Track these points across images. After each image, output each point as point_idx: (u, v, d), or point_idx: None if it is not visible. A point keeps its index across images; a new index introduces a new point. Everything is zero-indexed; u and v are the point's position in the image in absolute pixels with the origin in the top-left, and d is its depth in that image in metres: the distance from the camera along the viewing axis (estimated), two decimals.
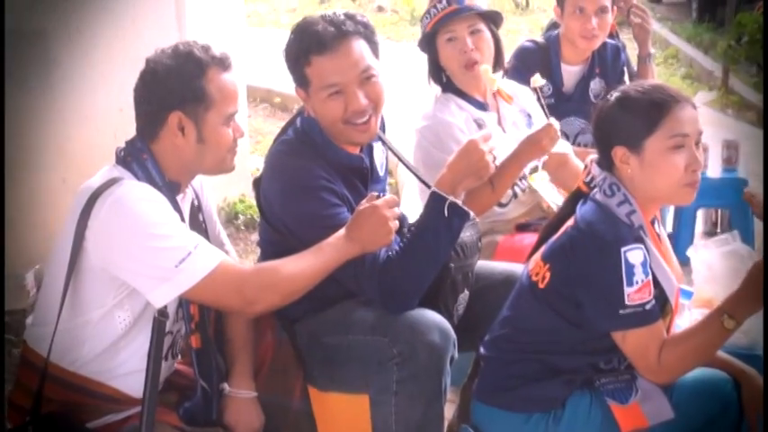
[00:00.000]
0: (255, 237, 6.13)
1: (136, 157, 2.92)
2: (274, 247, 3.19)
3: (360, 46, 3.11)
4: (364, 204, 3.01)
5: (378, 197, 3.04)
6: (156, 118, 2.91)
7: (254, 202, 6.35)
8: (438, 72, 4.05)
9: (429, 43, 4.02)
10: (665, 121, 2.84)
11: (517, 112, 4.13)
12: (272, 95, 9.48)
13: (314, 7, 15.16)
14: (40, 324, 2.94)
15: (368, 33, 3.15)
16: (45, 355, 2.86)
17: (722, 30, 11.53)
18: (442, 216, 3.05)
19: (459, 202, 3.08)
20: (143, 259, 2.77)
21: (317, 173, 3.09)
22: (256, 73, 8.80)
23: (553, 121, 3.81)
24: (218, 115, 2.92)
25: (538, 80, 3.92)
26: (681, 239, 5.14)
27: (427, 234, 3.07)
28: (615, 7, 4.69)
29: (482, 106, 4.04)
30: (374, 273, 3.03)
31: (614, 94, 2.98)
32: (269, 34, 13.14)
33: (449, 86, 4.02)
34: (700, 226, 5.62)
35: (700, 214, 5.63)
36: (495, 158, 3.13)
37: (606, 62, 4.87)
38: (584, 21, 4.54)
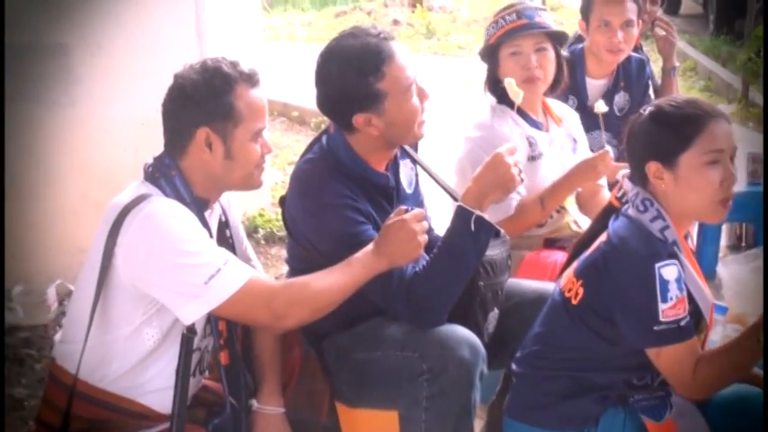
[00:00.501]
0: (275, 251, 6.13)
1: (164, 174, 2.91)
2: (301, 263, 3.18)
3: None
4: (392, 218, 2.99)
5: (406, 211, 3.01)
6: (183, 134, 2.90)
7: (273, 216, 6.38)
8: (495, 84, 4.01)
9: (491, 54, 4.01)
10: (700, 136, 2.81)
11: (564, 136, 4.12)
12: (290, 109, 9.45)
13: (329, 21, 15.18)
14: (69, 341, 2.93)
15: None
16: (74, 372, 2.84)
17: (740, 42, 11.48)
18: (468, 230, 3.04)
19: (486, 216, 3.07)
20: (172, 276, 2.76)
21: (341, 191, 3.08)
22: (273, 87, 8.79)
23: (609, 148, 3.84)
24: (246, 131, 2.91)
25: (601, 106, 3.92)
26: (705, 254, 5.08)
27: (454, 248, 3.06)
28: (640, 20, 4.66)
29: (536, 125, 4.02)
30: (402, 288, 3.02)
31: (648, 109, 2.95)
32: (285, 48, 13.18)
33: (504, 99, 3.97)
34: (724, 240, 5.56)
35: (724, 228, 5.58)
36: (520, 171, 3.12)
37: (631, 76, 4.84)
38: (609, 34, 4.51)
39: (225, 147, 2.89)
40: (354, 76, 3.04)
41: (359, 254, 2.97)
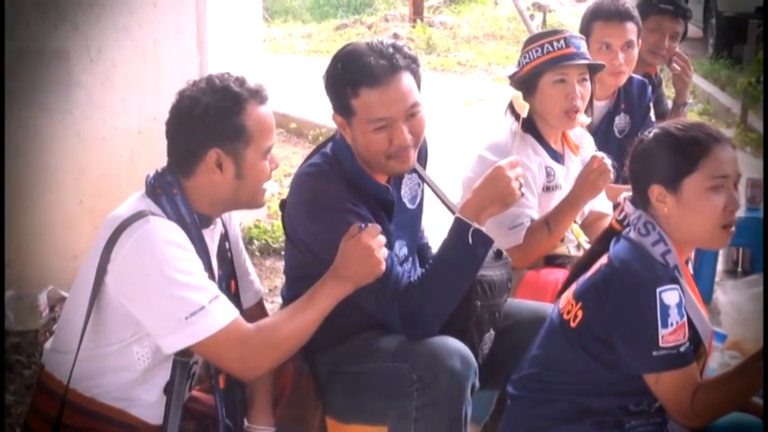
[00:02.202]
0: (270, 263, 6.11)
1: (166, 191, 2.87)
2: (300, 271, 3.18)
3: (408, 81, 3.06)
4: (346, 240, 2.94)
5: (359, 229, 2.96)
6: (192, 155, 2.86)
7: (269, 228, 6.35)
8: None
9: (529, 79, 3.92)
10: (705, 160, 2.79)
11: (579, 165, 4.07)
12: (288, 121, 9.44)
13: (329, 34, 15.18)
14: (61, 350, 2.90)
15: (414, 67, 3.10)
16: (64, 382, 2.82)
17: (739, 67, 11.50)
18: (465, 243, 3.02)
19: (484, 229, 3.04)
20: (156, 304, 2.73)
21: (343, 196, 3.06)
22: (272, 98, 8.77)
23: (599, 153, 3.77)
24: (257, 150, 2.87)
25: (584, 119, 3.88)
26: (702, 279, 5.06)
27: (450, 260, 3.04)
28: (659, 55, 4.64)
29: (555, 156, 3.99)
30: (395, 298, 3.00)
31: (653, 131, 2.93)
32: (284, 60, 13.17)
33: (528, 126, 3.92)
34: (720, 264, 5.56)
35: (721, 253, 5.58)
36: (521, 185, 3.09)
37: (632, 98, 4.82)
38: (610, 56, 4.47)
39: (236, 167, 2.86)
40: None
41: (320, 283, 2.94)
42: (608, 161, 3.71)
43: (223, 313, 2.76)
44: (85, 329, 2.78)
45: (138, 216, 2.76)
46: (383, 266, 2.95)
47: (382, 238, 2.97)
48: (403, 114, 3.04)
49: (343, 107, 3.09)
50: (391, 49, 3.06)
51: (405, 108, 3.04)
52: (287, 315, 2.90)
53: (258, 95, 2.89)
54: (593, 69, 3.93)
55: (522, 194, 3.12)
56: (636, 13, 4.57)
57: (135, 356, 2.83)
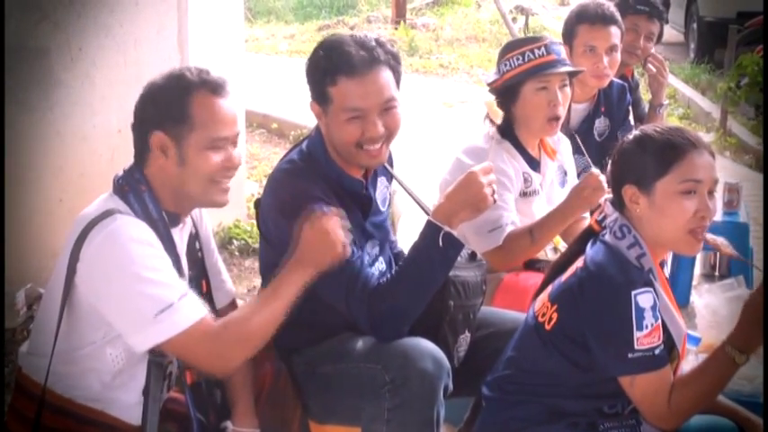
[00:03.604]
0: (249, 263, 6.12)
1: (133, 188, 2.86)
2: (273, 270, 3.13)
3: (387, 76, 3.08)
4: (302, 224, 2.92)
5: (317, 213, 2.94)
6: (143, 138, 2.87)
7: (248, 228, 6.35)
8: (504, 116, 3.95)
9: (509, 87, 3.89)
10: (679, 164, 2.81)
11: (556, 170, 4.08)
12: (269, 121, 9.46)
13: (312, 35, 15.17)
14: (37, 353, 2.89)
15: (395, 64, 3.12)
16: (40, 383, 2.81)
17: (720, 71, 11.55)
18: (436, 245, 3.02)
19: (455, 233, 3.04)
20: (124, 302, 2.71)
21: (314, 193, 3.04)
22: (254, 98, 8.79)
23: (595, 170, 3.75)
24: (202, 138, 2.84)
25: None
26: (679, 282, 5.10)
27: (421, 263, 3.04)
28: (634, 55, 4.65)
29: (532, 163, 3.99)
30: (364, 297, 3.00)
31: (634, 133, 2.95)
32: (267, 60, 13.17)
33: (506, 132, 3.93)
34: (698, 268, 5.59)
35: (698, 256, 5.60)
36: (494, 192, 3.08)
37: (612, 101, 4.85)
38: (595, 60, 4.49)
39: (178, 152, 2.84)
40: None
41: (282, 272, 2.90)
42: (603, 178, 3.66)
43: (192, 310, 2.74)
44: (59, 331, 2.77)
45: (106, 215, 2.76)
46: (340, 248, 2.91)
47: (342, 222, 2.95)
48: (377, 107, 3.05)
49: (320, 95, 3.10)
50: (373, 43, 3.08)
51: (380, 101, 3.05)
52: (253, 308, 2.87)
53: (211, 85, 2.88)
54: (572, 74, 3.93)
55: (495, 201, 3.11)
56: (619, 16, 4.59)
57: (108, 358, 2.82)
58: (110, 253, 2.71)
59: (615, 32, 4.54)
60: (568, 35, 4.61)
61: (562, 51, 3.90)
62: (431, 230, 3.05)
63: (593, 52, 4.50)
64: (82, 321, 2.79)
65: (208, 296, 3.05)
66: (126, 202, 2.84)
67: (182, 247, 2.97)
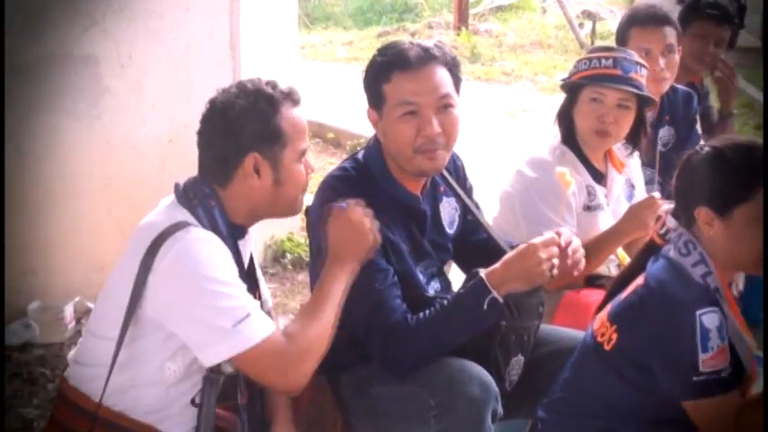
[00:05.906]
0: (302, 277, 6.02)
1: (202, 202, 2.82)
2: None
3: (442, 73, 3.01)
4: (330, 221, 2.92)
5: (339, 208, 2.93)
6: (229, 162, 2.82)
7: (302, 241, 6.26)
8: (566, 119, 3.87)
9: (572, 88, 3.83)
10: (759, 190, 2.66)
11: (623, 184, 3.99)
12: (325, 130, 9.38)
13: (371, 41, 15.09)
14: (87, 363, 2.85)
15: (452, 66, 3.05)
16: (89, 395, 2.79)
17: None
18: (479, 306, 2.92)
19: (501, 300, 2.93)
20: (201, 315, 2.67)
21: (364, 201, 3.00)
22: (309, 107, 8.69)
23: (656, 194, 3.67)
24: (293, 153, 2.85)
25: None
26: (752, 301, 4.90)
27: (456, 316, 2.95)
28: (680, 47, 4.47)
29: (597, 176, 3.89)
30: (384, 331, 2.93)
31: (706, 149, 2.79)
32: (324, 67, 13.10)
33: (570, 140, 3.85)
34: None
35: None
36: (553, 267, 2.95)
37: (677, 109, 4.68)
38: (650, 62, 4.28)
39: (274, 172, 2.83)
40: None
41: (323, 274, 2.90)
42: (662, 204, 3.57)
43: (265, 323, 2.72)
44: (121, 345, 2.73)
45: (179, 226, 2.72)
46: (370, 236, 2.90)
47: (365, 210, 2.93)
48: (433, 104, 2.98)
49: (376, 96, 3.04)
50: (431, 44, 3.05)
51: (435, 97, 2.98)
52: (308, 317, 2.83)
53: (291, 97, 2.87)
54: (645, 101, 3.80)
55: (553, 276, 2.98)
56: (674, 17, 4.43)
57: (167, 372, 2.80)
58: (187, 265, 2.67)
59: (670, 33, 4.37)
60: (621, 41, 4.46)
61: (637, 71, 3.75)
62: (477, 289, 2.94)
63: (648, 55, 4.31)
64: (145, 335, 2.76)
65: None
66: (194, 214, 2.81)
67: (246, 260, 2.96)
